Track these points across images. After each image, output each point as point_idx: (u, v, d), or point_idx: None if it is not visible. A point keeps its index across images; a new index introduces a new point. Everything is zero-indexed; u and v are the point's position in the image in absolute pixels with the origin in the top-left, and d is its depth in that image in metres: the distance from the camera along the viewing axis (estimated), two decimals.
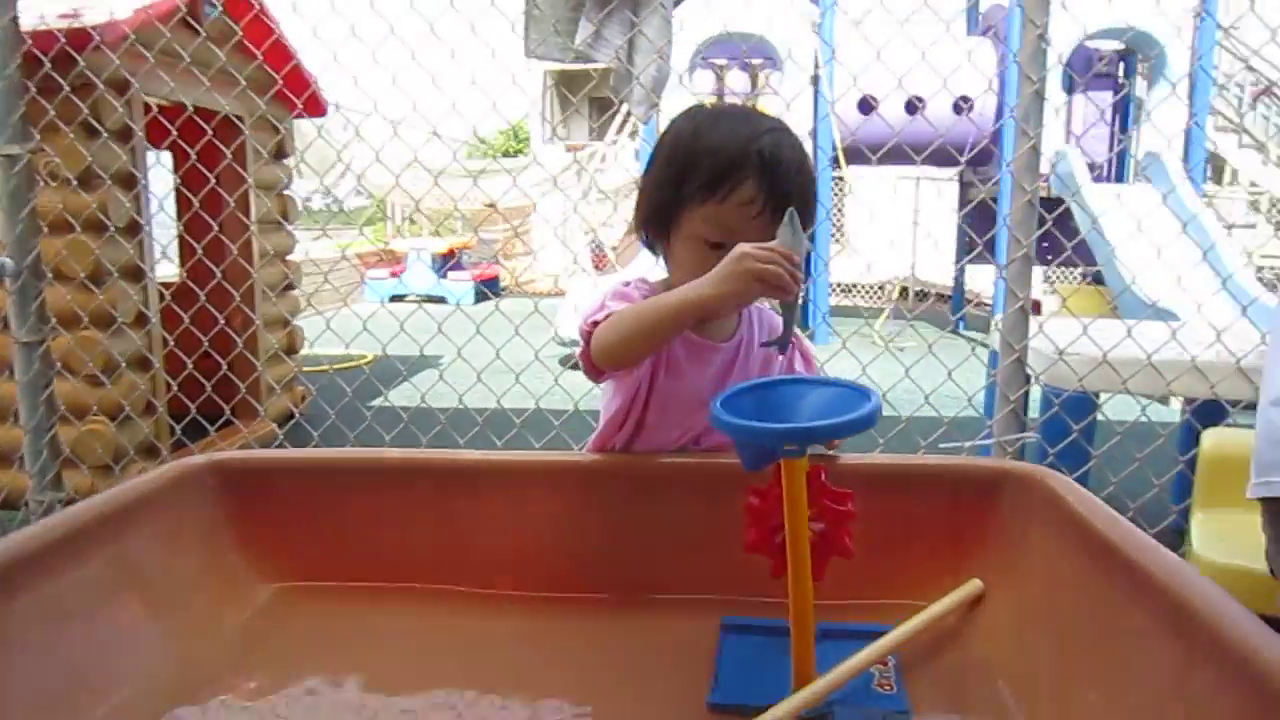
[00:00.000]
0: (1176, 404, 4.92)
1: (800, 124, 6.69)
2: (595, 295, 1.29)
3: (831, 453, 1.24)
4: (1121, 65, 7.97)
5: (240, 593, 1.20)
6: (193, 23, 3.04)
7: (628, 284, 1.29)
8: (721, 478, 1.20)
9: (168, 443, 3.23)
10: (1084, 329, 2.15)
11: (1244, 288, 5.31)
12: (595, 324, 1.20)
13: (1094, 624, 0.95)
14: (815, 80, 7.01)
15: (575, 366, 1.37)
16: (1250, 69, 11.11)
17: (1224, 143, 9.41)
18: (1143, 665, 0.83)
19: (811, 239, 1.32)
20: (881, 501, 1.15)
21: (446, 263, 11.35)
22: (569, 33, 2.16)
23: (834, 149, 6.61)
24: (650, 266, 1.41)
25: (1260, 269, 7.77)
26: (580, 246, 11.71)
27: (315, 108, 4.16)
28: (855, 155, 6.87)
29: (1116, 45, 7.48)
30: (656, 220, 1.27)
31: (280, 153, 4.16)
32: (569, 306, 6.19)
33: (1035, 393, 2.51)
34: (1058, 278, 11.35)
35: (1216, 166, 10.35)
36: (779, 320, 1.39)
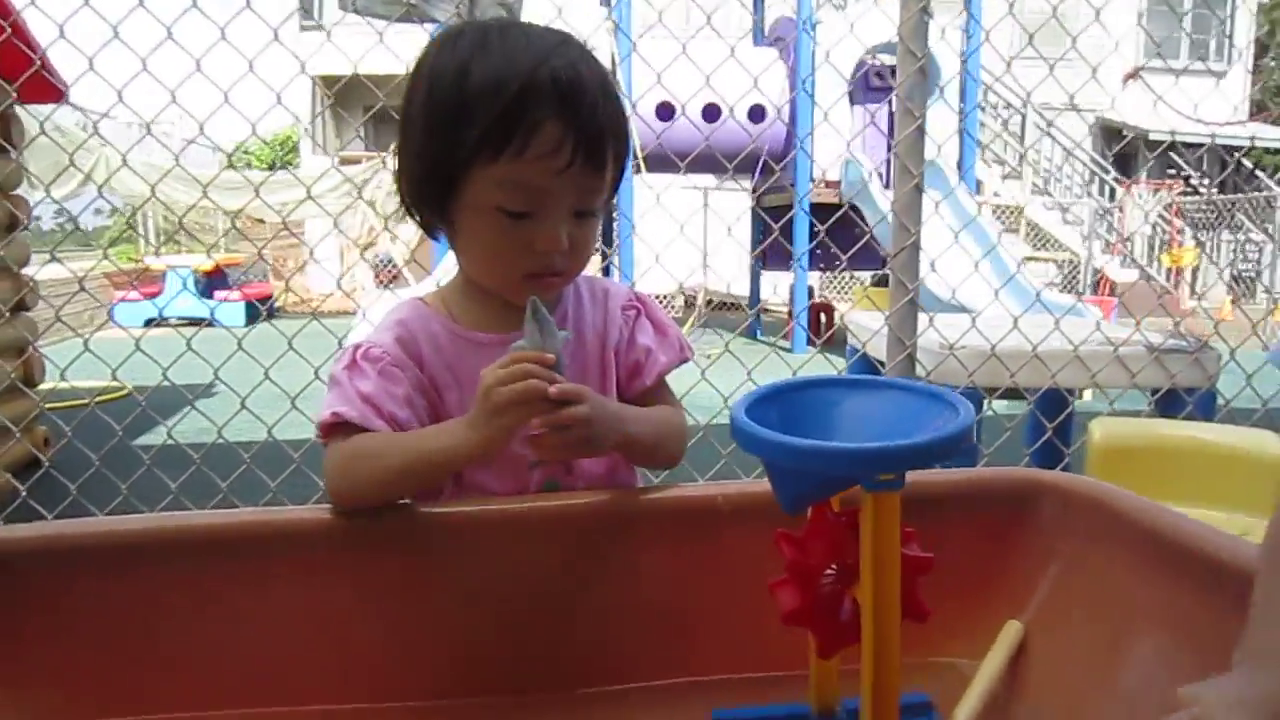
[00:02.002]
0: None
1: None
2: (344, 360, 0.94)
3: None
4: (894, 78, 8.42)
5: None
6: None
7: (373, 350, 0.93)
8: (703, 515, 0.91)
9: None
10: (973, 321, 2.05)
11: (1024, 284, 5.65)
12: (331, 425, 0.88)
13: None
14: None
15: None
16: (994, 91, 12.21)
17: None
18: None
19: (614, 238, 1.02)
20: None
21: (211, 281, 10.27)
22: None
23: (635, 155, 6.47)
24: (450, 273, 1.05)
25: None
26: (358, 262, 10.98)
27: (44, 91, 3.42)
28: (656, 163, 6.79)
29: (891, 60, 7.87)
30: (427, 195, 0.92)
31: (5, 144, 3.41)
32: (366, 323, 5.64)
33: None
34: (839, 282, 11.93)
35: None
36: (615, 289, 1.07)
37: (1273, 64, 15.81)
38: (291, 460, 2.15)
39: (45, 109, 3.61)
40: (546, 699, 0.87)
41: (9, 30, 2.09)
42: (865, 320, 2.52)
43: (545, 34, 0.91)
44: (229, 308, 9.44)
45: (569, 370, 0.89)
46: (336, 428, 0.88)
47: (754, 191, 8.17)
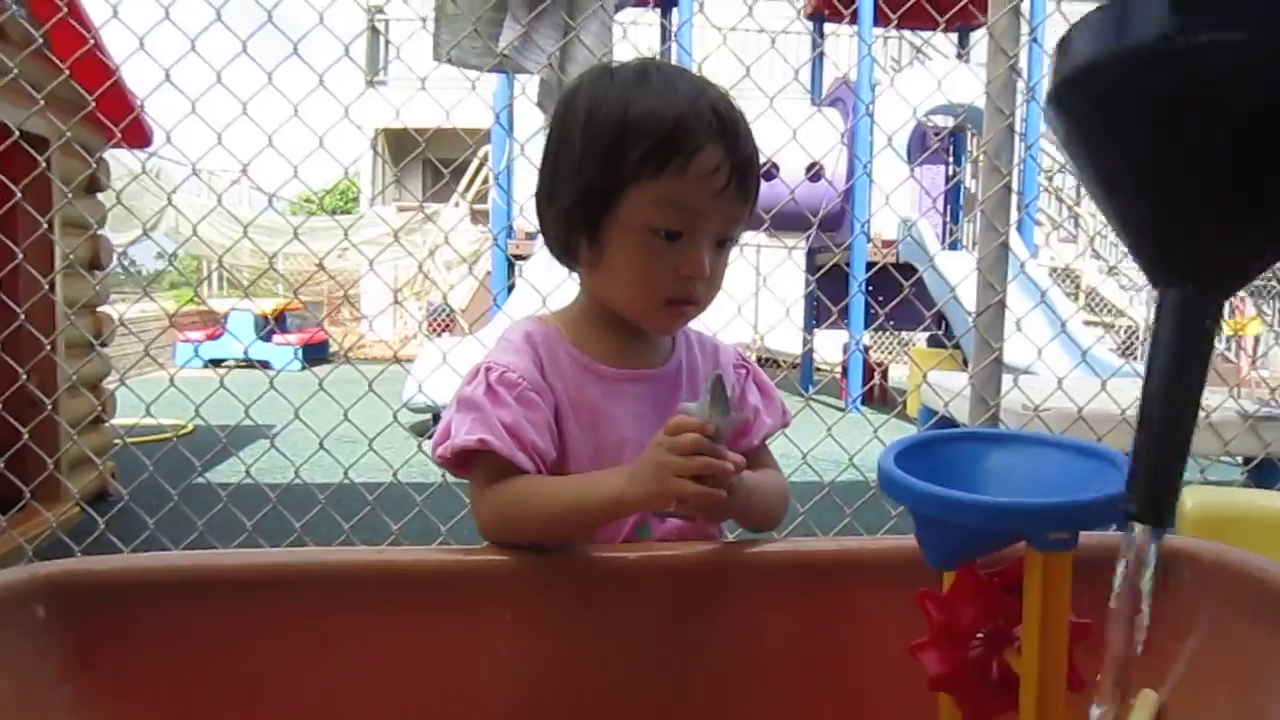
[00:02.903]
0: None
1: None
2: (460, 385, 0.94)
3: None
4: (951, 143, 8.40)
5: None
6: None
7: (509, 374, 0.92)
8: (826, 571, 0.88)
9: None
10: (1059, 383, 2.00)
11: (1100, 358, 5.50)
12: (461, 454, 0.89)
13: None
14: None
15: (431, 436, 0.99)
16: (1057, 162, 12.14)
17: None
18: None
19: None
20: None
21: (272, 325, 10.49)
22: (491, 35, 1.82)
23: None
24: (514, 324, 1.03)
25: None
26: (417, 312, 11.14)
27: (137, 137, 3.56)
28: None
29: (949, 122, 7.86)
30: (582, 216, 0.93)
31: (93, 186, 3.53)
32: (421, 372, 5.70)
33: None
34: (888, 342, 11.81)
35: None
36: (725, 347, 1.07)
37: None
38: (365, 502, 2.15)
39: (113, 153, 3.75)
40: None
41: (116, 70, 2.16)
42: (944, 380, 2.46)
43: (695, 75, 0.97)
44: (283, 351, 9.65)
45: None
46: (476, 455, 0.89)
47: (809, 250, 8.16)
